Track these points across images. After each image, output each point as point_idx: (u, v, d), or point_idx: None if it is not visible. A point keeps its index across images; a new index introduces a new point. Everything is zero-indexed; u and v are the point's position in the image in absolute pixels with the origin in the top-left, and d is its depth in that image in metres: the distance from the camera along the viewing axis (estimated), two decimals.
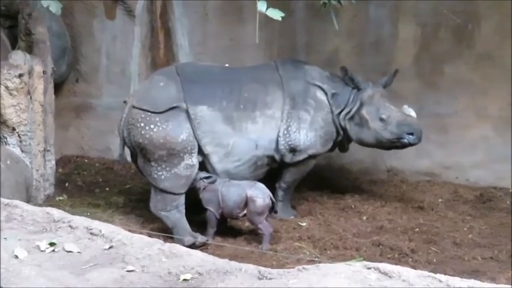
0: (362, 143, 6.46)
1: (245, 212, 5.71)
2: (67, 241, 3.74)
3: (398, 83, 6.61)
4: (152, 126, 5.77)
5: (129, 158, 6.33)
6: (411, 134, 6.15)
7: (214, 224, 5.84)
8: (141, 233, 4.22)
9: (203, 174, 5.87)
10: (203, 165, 6.04)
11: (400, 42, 7.33)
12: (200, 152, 5.94)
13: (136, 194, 7.02)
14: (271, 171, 6.33)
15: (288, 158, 6.20)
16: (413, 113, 6.23)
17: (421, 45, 7.33)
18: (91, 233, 3.85)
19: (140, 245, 3.69)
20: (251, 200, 5.65)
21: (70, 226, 3.92)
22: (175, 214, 5.89)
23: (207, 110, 5.92)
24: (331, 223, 6.22)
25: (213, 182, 5.84)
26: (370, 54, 7.34)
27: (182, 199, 5.90)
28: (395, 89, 6.66)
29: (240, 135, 6.00)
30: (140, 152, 5.91)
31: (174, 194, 5.86)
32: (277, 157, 6.17)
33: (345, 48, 7.50)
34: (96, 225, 3.96)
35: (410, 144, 6.25)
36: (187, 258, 3.53)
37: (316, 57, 7.33)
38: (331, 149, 6.55)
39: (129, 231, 4.00)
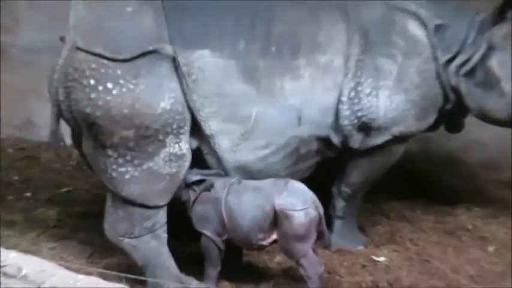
0: (486, 116, 5.31)
1: (274, 237, 4.59)
2: None
3: None
4: (110, 85, 4.53)
5: (68, 140, 4.99)
6: None
7: (216, 260, 4.74)
8: (90, 274, 3.78)
9: (193, 175, 4.80)
10: (200, 157, 4.85)
11: None
12: (197, 131, 4.77)
13: (79, 204, 6.05)
14: (324, 165, 5.18)
15: (357, 141, 5.08)
16: None
17: None
18: (3, 274, 3.48)
19: None
20: (283, 214, 4.51)
21: None
22: (150, 242, 4.73)
23: (211, 57, 4.74)
24: (431, 258, 5.20)
25: (209, 189, 4.76)
26: None
27: (162, 216, 4.70)
28: None
29: (271, 100, 4.82)
30: (88, 130, 4.68)
31: (148, 207, 4.67)
32: (335, 140, 5.05)
33: None
34: (12, 259, 3.58)
35: None
36: None
37: None
38: (433, 127, 5.41)
39: (69, 269, 3.59)
